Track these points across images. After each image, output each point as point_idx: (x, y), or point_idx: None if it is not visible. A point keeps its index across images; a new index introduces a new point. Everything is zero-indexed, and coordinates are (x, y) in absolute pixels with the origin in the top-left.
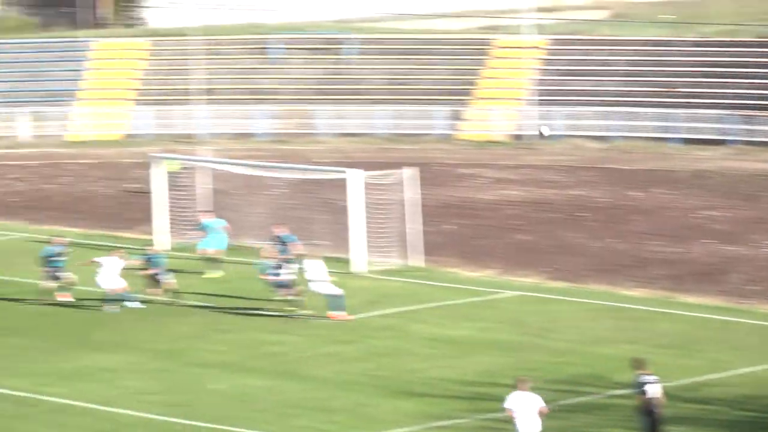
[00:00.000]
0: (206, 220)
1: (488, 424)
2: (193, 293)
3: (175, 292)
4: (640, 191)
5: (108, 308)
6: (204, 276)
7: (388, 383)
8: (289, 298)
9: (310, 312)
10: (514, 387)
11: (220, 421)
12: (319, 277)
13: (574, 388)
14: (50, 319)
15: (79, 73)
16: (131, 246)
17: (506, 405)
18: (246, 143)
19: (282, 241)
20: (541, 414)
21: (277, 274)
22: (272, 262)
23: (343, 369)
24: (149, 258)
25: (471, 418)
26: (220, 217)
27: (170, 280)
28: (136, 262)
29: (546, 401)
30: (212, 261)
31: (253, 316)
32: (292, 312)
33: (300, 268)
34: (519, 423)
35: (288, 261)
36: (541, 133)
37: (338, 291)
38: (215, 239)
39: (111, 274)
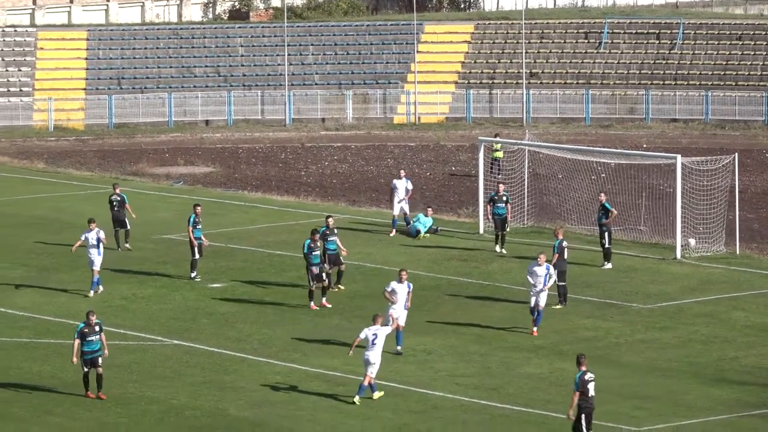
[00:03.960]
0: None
1: None
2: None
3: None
4: None
5: None
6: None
7: (703, 370)
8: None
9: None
10: None
11: (532, 405)
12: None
13: None
14: (372, 300)
15: (409, 56)
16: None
17: None
18: (570, 127)
19: (605, 209)
20: None
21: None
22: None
23: (658, 356)
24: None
25: None
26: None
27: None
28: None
29: None
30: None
31: (571, 300)
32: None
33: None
34: None
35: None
36: None
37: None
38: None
39: None
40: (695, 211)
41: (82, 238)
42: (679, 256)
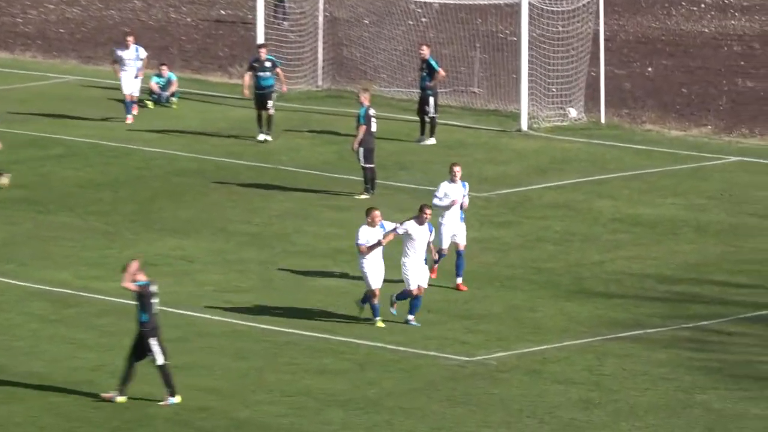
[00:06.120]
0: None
1: (693, 336)
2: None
3: None
4: None
5: None
6: None
7: (556, 279)
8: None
9: None
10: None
11: (325, 329)
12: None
13: None
14: (113, 191)
15: None
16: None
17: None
18: None
19: (429, 67)
20: None
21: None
22: None
23: (497, 261)
24: None
25: (669, 326)
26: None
27: None
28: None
29: None
30: None
31: (381, 187)
32: None
33: None
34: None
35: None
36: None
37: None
38: None
39: None
40: (547, 66)
41: None
42: (525, 126)
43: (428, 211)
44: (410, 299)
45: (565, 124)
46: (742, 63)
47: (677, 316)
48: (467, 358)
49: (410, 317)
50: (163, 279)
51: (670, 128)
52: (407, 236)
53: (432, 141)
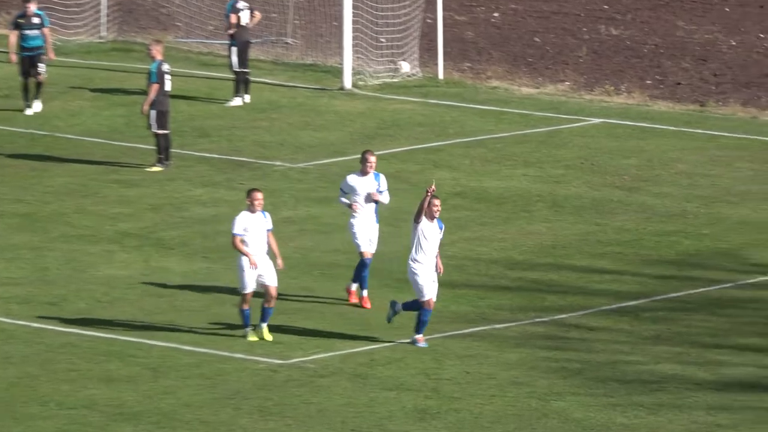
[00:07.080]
0: None
1: (548, 332)
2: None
3: None
4: None
5: None
6: None
7: (386, 266)
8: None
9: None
10: (586, 270)
11: (102, 328)
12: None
13: (687, 273)
14: None
15: None
16: None
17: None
18: None
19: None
20: None
21: None
22: None
23: (315, 244)
24: None
25: (520, 321)
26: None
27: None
28: None
29: (644, 293)
30: None
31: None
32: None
33: None
34: None
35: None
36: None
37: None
38: None
39: None
40: (374, 12)
41: None
42: (348, 84)
43: (437, 202)
44: (418, 314)
45: (396, 80)
46: (606, 6)
47: (530, 309)
48: (281, 362)
49: (418, 336)
50: None
51: (520, 85)
52: (419, 235)
53: (238, 102)
